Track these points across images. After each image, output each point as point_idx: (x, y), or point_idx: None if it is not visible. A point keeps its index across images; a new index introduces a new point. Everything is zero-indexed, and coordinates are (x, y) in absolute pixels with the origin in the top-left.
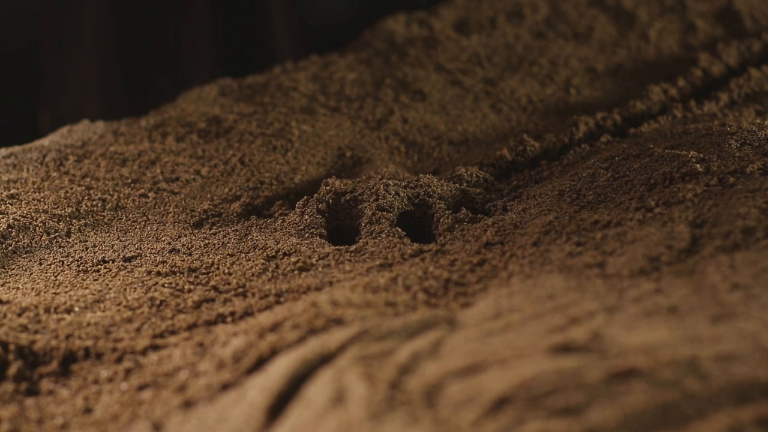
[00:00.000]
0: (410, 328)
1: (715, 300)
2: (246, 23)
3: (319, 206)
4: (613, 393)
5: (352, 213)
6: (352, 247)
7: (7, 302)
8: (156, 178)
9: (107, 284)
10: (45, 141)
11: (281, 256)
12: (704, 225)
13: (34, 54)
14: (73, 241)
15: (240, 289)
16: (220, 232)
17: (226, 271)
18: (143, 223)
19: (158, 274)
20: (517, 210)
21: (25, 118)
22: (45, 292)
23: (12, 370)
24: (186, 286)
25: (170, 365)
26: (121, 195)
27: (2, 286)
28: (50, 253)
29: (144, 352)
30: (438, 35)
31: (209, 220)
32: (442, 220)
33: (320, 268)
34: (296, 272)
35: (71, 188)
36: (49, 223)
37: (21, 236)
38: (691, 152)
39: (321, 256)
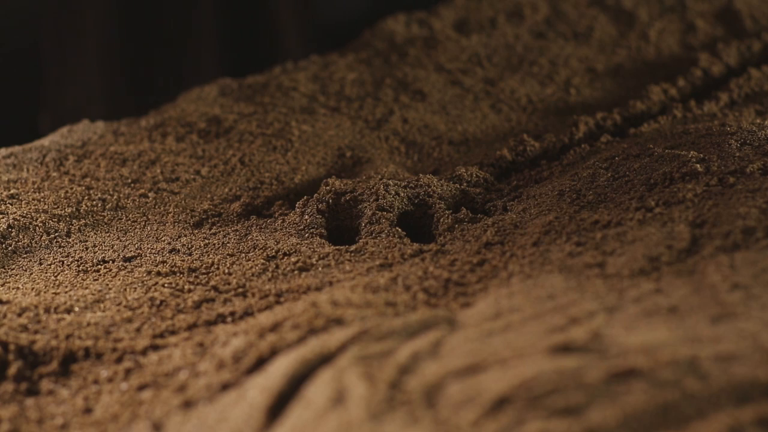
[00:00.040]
0: (410, 328)
1: (715, 300)
2: (253, 24)
3: (319, 206)
4: (613, 393)
5: (352, 213)
6: (352, 247)
7: (7, 302)
8: (156, 178)
9: (107, 284)
10: (45, 141)
11: (281, 256)
12: (704, 225)
13: (35, 54)
14: (73, 241)
15: (240, 289)
16: (220, 232)
17: (226, 271)
18: (143, 223)
19: (158, 274)
20: (517, 210)
21: (25, 118)
22: (45, 292)
23: (12, 370)
24: (186, 286)
25: (170, 365)
26: (121, 195)
27: (2, 286)
28: (50, 253)
29: (144, 352)
30: (438, 35)
31: (209, 220)
32: (442, 220)
33: (320, 268)
34: (296, 272)
35: (71, 188)
36: (49, 223)
37: (21, 236)
38: (691, 152)
39: (321, 256)
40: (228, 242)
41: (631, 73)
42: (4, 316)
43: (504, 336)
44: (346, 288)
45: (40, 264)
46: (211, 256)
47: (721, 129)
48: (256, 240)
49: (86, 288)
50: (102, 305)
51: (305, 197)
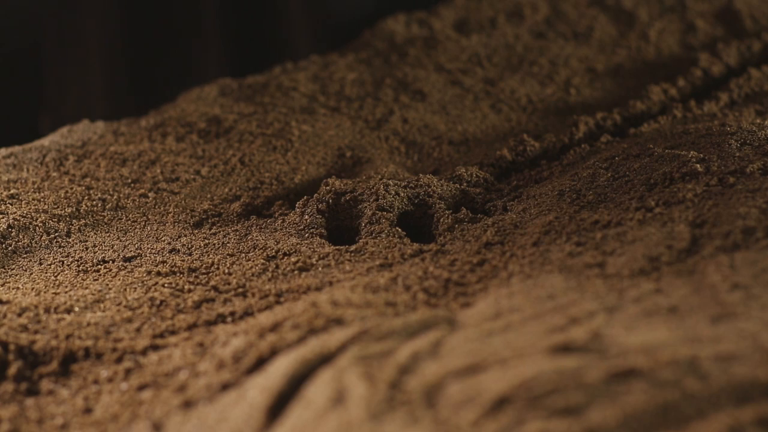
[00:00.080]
0: (410, 328)
1: (715, 300)
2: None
3: (319, 206)
4: (613, 393)
5: (352, 213)
6: (352, 247)
7: (7, 302)
8: (156, 178)
9: (107, 284)
10: (45, 141)
11: (281, 256)
12: (704, 225)
13: (35, 54)
14: (73, 241)
15: (240, 289)
16: (220, 232)
17: (226, 271)
18: (143, 223)
19: (158, 274)
20: (517, 210)
21: (25, 118)
22: (45, 292)
23: (12, 370)
24: (186, 286)
25: (170, 365)
26: (121, 195)
27: (2, 286)
28: (50, 253)
29: (144, 352)
30: (438, 35)
31: (209, 220)
32: (442, 220)
33: (320, 268)
34: (296, 272)
35: (71, 188)
36: (49, 223)
37: (21, 236)
38: (691, 152)
39: (321, 256)
40: (228, 242)
41: (631, 73)
42: (4, 316)
43: (504, 336)
44: (346, 288)
45: (40, 264)
46: (211, 256)
47: (721, 129)
48: (256, 240)
49: (86, 288)
50: (102, 305)
51: (305, 197)
